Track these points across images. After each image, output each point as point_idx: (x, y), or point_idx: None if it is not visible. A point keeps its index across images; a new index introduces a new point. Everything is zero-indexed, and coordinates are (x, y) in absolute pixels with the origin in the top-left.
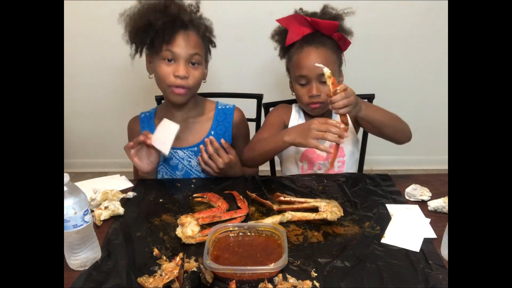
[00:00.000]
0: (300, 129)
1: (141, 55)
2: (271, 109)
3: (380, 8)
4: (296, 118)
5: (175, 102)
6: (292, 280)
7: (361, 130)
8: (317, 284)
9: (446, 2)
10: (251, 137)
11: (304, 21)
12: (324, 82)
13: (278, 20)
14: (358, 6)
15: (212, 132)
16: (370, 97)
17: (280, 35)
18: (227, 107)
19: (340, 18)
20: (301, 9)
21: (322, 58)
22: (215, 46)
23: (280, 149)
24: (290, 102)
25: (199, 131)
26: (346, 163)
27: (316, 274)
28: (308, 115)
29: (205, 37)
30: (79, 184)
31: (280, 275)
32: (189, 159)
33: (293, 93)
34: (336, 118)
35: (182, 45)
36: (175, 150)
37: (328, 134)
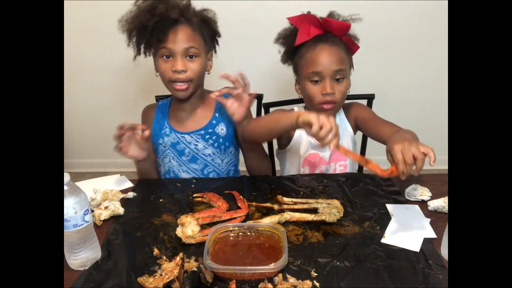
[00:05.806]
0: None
1: (139, 54)
2: (271, 109)
3: (380, 8)
4: None
5: (179, 97)
6: (292, 280)
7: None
8: (317, 284)
9: (446, 2)
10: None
11: (315, 22)
12: (338, 80)
13: (288, 18)
14: (357, 5)
15: (217, 115)
16: (370, 97)
17: (286, 38)
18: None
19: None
20: (309, 12)
21: (336, 56)
22: (220, 36)
23: (289, 126)
24: (290, 102)
25: (205, 116)
26: (348, 167)
27: (316, 274)
28: None
29: (202, 28)
30: (79, 184)
31: (280, 275)
32: (195, 143)
33: (300, 95)
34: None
35: (175, 41)
36: (182, 135)
37: (326, 134)
